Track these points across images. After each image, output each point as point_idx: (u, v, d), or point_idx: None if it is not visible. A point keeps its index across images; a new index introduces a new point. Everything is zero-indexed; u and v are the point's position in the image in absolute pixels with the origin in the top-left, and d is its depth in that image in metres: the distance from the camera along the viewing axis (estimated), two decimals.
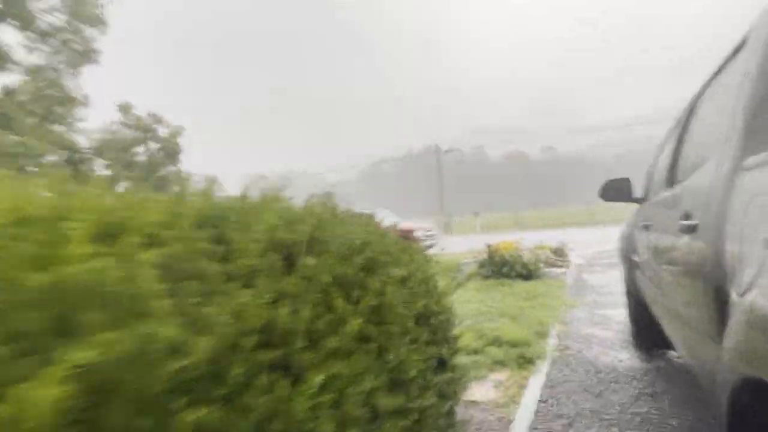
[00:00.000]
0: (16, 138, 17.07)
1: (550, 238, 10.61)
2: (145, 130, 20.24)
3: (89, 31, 20.27)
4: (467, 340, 3.48)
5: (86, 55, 20.25)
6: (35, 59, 19.23)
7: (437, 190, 30.75)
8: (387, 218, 13.04)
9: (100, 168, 19.77)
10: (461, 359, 2.35)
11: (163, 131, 20.51)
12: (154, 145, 20.48)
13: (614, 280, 5.93)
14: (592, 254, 9.98)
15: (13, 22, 17.07)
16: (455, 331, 2.09)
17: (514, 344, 3.36)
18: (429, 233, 12.49)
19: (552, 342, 3.61)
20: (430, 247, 12.69)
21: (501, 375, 2.95)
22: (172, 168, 20.05)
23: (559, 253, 8.93)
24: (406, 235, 12.07)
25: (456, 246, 12.39)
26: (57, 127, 19.87)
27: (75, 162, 18.80)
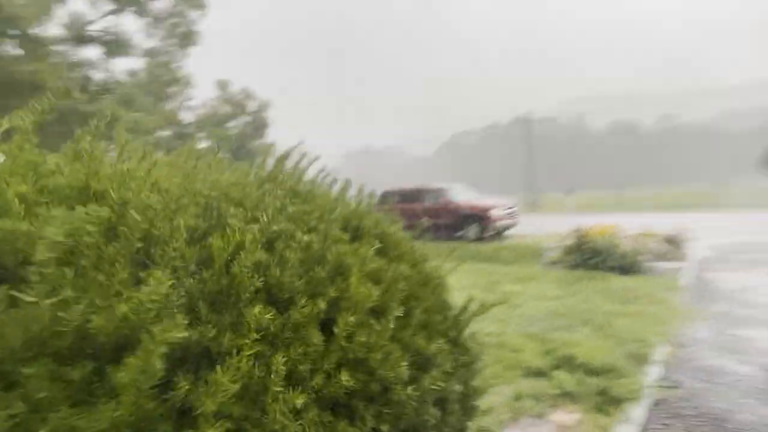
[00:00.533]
0: (136, 115, 19.40)
1: (663, 223, 8.65)
2: (237, 105, 21.65)
3: (192, 14, 22.06)
4: (528, 355, 2.67)
5: (190, 38, 22.14)
6: (151, 43, 21.60)
7: (526, 164, 28.16)
8: (462, 194, 11.99)
9: (200, 141, 21.89)
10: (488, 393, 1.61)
11: (252, 106, 21.73)
12: (244, 119, 21.87)
13: (759, 285, 4.40)
14: (723, 246, 7.87)
15: (131, 9, 19.13)
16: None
17: (593, 370, 2.45)
18: (509, 211, 11.19)
19: (654, 374, 2.57)
20: (507, 227, 11.43)
21: (568, 415, 2.12)
22: (258, 141, 21.25)
23: (673, 242, 7.16)
24: (480, 213, 10.99)
25: (544, 227, 10.96)
26: (169, 105, 22.25)
27: (181, 136, 21.03)
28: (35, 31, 13.84)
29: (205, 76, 23.22)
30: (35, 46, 12.65)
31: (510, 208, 11.54)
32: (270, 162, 1.37)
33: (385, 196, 12.88)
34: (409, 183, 13.53)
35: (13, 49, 12.82)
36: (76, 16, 16.88)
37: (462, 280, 5.83)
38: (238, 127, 21.51)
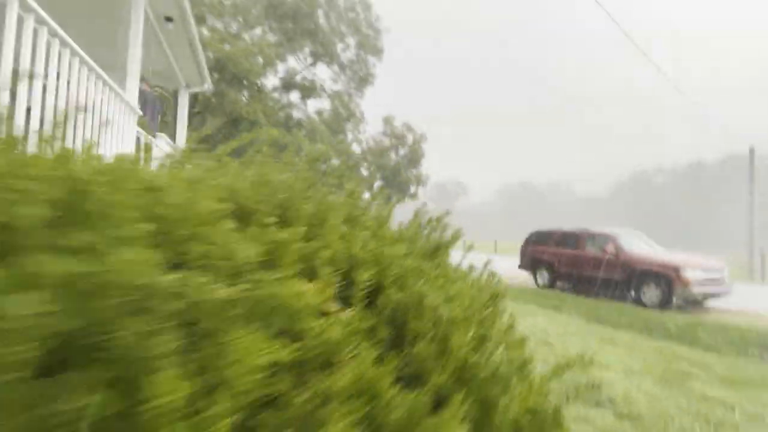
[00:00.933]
0: (319, 146, 22.80)
1: None
2: (397, 137, 23.42)
3: (370, 59, 25.45)
4: None
5: (366, 79, 25.46)
6: (336, 86, 25.73)
7: (746, 213, 21.28)
8: (638, 243, 9.48)
9: (364, 170, 24.46)
10: None
11: (410, 138, 23.13)
12: (402, 151, 23.40)
13: None
14: None
15: (325, 60, 23.27)
16: None
17: None
18: (712, 274, 8.34)
19: None
20: (710, 295, 8.45)
21: None
22: (413, 171, 22.33)
23: None
24: (667, 271, 8.33)
25: None
26: (344, 137, 25.67)
27: (350, 165, 23.95)
28: (260, 81, 17.93)
29: (375, 112, 26.11)
30: (257, 92, 16.41)
31: (714, 269, 8.61)
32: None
33: (538, 237, 11.35)
34: (570, 225, 11.67)
35: (239, 93, 16.85)
36: (289, 69, 21.37)
37: (628, 361, 4.35)
38: (397, 158, 23.25)
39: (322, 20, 20.64)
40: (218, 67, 14.99)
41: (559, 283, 10.29)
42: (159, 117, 6.60)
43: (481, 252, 1.98)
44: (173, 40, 6.14)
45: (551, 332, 5.12)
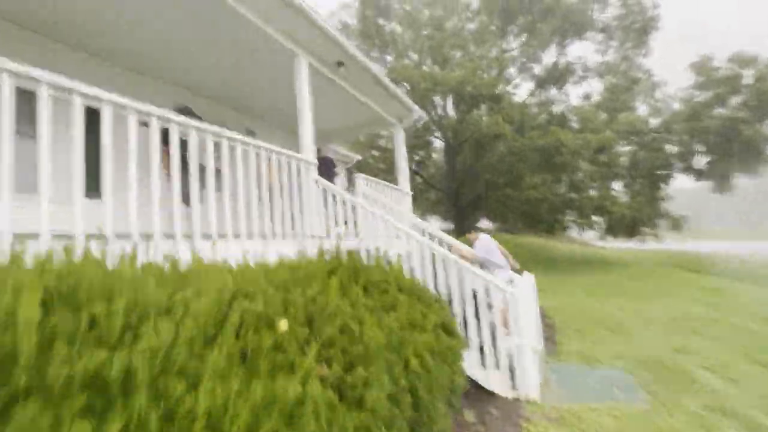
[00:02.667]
0: (585, 135, 18.46)
1: None
2: (723, 83, 15.64)
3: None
4: None
5: (646, 27, 18.99)
6: (604, 58, 20.63)
7: None
8: None
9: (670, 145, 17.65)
10: None
11: (748, 77, 14.86)
12: (736, 98, 15.34)
13: None
14: None
15: (575, 34, 19.19)
16: None
17: None
18: None
19: None
20: None
21: None
22: (763, 123, 13.97)
23: None
24: None
25: None
26: (632, 113, 19.90)
27: (644, 145, 18.03)
28: (501, 89, 16.71)
29: (674, 59, 18.81)
30: (497, 104, 15.33)
31: None
32: None
33: None
34: None
35: (478, 113, 16.11)
36: (528, 64, 19.11)
37: None
38: (727, 112, 15.34)
39: None
40: (449, 91, 15.08)
41: None
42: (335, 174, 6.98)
43: None
44: (359, 83, 6.20)
45: None
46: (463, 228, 20.32)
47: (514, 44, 19.27)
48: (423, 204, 23.54)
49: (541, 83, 20.37)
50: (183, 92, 6.13)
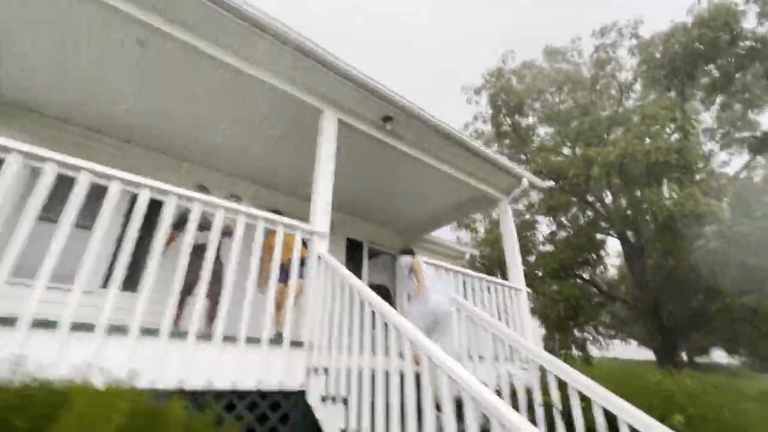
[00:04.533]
0: None
1: None
2: None
3: None
4: None
5: None
6: None
7: None
8: None
9: None
10: None
11: None
12: None
13: None
14: None
15: None
16: None
17: None
18: None
19: None
20: None
21: None
22: None
23: None
24: None
25: None
26: None
27: None
28: (691, 161, 12.39)
29: None
30: (688, 175, 11.07)
31: None
32: None
33: None
34: None
35: (657, 189, 11.92)
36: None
37: None
38: None
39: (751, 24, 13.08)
40: (609, 170, 11.78)
41: None
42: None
43: None
44: (425, 144, 4.85)
45: None
46: (672, 359, 13.81)
47: (700, 107, 15.01)
48: (602, 320, 17.85)
49: (759, 149, 14.55)
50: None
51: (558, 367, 2.66)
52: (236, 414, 2.56)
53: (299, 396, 2.79)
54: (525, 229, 17.41)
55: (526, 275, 17.96)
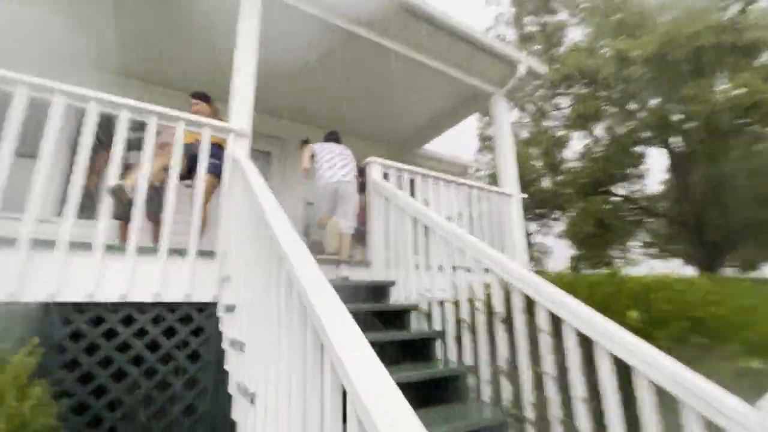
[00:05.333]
0: None
1: None
2: None
3: None
4: None
5: None
6: None
7: None
8: None
9: None
10: None
11: None
12: None
13: None
14: None
15: None
16: None
17: None
18: None
19: None
20: None
21: None
22: None
23: None
24: None
25: None
26: None
27: None
28: None
29: None
30: (745, 61, 9.13)
31: None
32: None
33: None
34: None
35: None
36: None
37: None
38: None
39: None
40: (647, 63, 9.95)
41: None
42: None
43: None
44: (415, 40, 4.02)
45: None
46: (716, 274, 12.80)
47: None
48: (644, 238, 16.78)
49: None
50: None
51: (519, 276, 2.12)
52: (138, 328, 2.32)
53: (213, 308, 2.51)
54: (555, 145, 15.94)
55: (555, 195, 16.85)
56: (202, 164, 2.67)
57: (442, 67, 4.46)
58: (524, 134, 17.87)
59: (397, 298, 2.97)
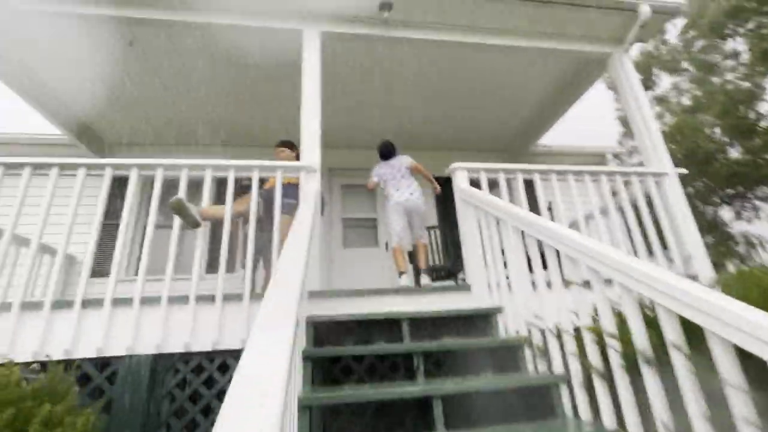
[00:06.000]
0: None
1: None
2: None
3: None
4: None
5: None
6: None
7: None
8: None
9: None
10: None
11: None
12: None
13: None
14: None
15: None
16: None
17: None
18: None
19: None
20: None
21: None
22: None
23: None
24: None
25: None
26: None
27: None
28: None
29: None
30: None
31: None
32: None
33: None
34: None
35: None
36: None
37: None
38: None
39: None
40: None
41: None
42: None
43: None
44: None
45: None
46: None
47: None
48: None
49: None
50: None
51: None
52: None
53: None
54: (741, 102, 12.09)
55: (754, 165, 12.45)
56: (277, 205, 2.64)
57: (532, 44, 3.74)
58: (685, 102, 14.27)
59: (505, 327, 2.35)
